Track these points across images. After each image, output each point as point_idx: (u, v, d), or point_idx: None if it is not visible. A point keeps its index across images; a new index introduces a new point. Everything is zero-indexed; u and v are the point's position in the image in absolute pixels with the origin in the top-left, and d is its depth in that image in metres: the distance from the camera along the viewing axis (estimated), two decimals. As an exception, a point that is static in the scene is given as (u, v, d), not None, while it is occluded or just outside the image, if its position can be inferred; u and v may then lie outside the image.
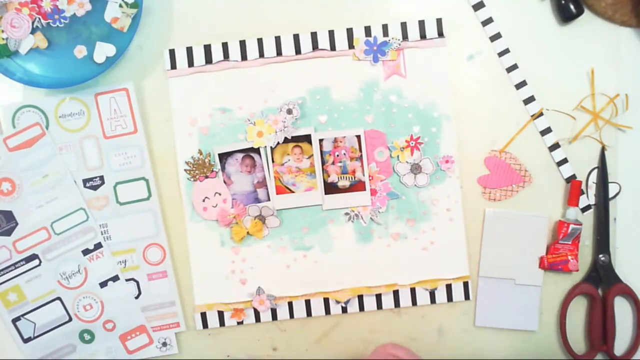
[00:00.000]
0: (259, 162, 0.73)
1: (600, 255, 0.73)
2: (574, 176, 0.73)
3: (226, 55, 0.72)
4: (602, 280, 0.73)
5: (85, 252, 0.73)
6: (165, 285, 0.73)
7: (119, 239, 0.73)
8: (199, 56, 0.72)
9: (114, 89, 0.72)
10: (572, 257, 0.71)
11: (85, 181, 0.73)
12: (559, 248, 0.71)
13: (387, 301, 0.73)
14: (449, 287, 0.73)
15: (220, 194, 0.73)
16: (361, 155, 0.72)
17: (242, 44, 0.72)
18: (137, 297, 0.73)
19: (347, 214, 0.73)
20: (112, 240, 0.73)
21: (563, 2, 0.71)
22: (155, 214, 0.73)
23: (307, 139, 0.72)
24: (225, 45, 0.72)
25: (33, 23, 0.69)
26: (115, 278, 0.73)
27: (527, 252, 0.73)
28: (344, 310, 0.74)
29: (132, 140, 0.73)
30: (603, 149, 0.73)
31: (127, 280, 0.73)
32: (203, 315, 0.74)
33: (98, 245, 0.73)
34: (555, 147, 0.73)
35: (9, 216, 0.72)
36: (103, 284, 0.73)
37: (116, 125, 0.72)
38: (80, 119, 0.73)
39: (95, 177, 0.73)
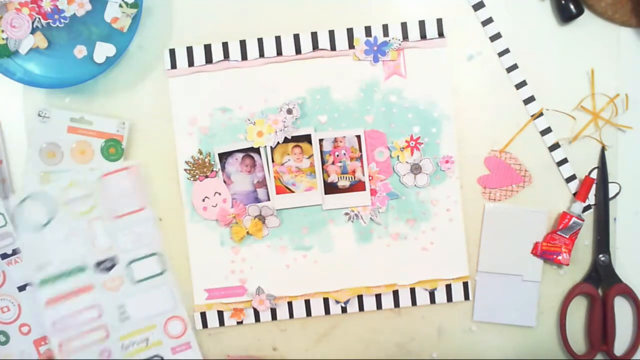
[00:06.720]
0: (259, 162, 0.73)
1: (600, 255, 0.72)
2: (574, 176, 0.73)
3: (226, 55, 0.72)
4: (602, 280, 0.73)
5: (4, 256, 0.71)
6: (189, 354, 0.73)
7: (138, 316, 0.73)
8: (199, 56, 0.72)
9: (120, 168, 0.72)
10: (565, 251, 0.71)
11: (97, 263, 0.72)
12: (555, 238, 0.71)
13: (387, 301, 0.73)
14: (448, 287, 0.73)
15: (220, 194, 0.73)
16: (361, 155, 0.72)
17: (242, 43, 0.72)
18: None
19: (347, 214, 0.73)
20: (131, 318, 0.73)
21: (563, 2, 0.71)
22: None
23: (307, 139, 0.72)
24: (225, 45, 0.72)
25: (33, 23, 0.69)
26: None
27: (526, 247, 0.73)
28: (344, 310, 0.74)
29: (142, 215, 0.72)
30: (603, 149, 0.72)
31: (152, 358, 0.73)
32: (203, 315, 0.74)
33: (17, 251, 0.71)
34: (555, 147, 0.73)
35: None
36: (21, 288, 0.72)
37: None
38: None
39: (107, 259, 0.72)
